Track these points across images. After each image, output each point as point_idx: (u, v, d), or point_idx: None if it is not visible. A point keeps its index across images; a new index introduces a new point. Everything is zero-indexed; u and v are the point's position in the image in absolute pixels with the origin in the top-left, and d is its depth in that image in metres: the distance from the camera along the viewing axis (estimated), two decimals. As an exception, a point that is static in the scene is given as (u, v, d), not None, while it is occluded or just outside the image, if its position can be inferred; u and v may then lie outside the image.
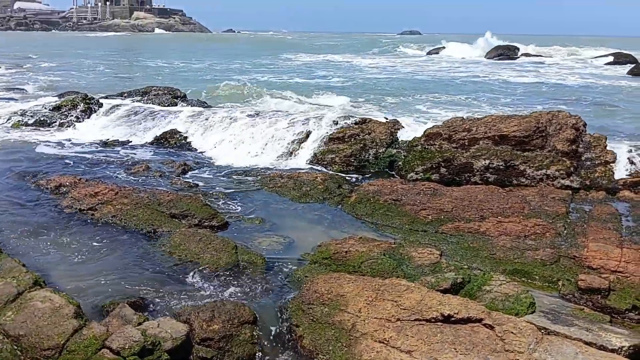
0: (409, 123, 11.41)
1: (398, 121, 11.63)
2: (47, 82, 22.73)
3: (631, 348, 4.04)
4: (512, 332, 3.83)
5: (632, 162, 8.76)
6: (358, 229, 7.14)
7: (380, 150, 10.17)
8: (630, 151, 9.15)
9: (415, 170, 9.35)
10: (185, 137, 11.68)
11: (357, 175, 9.64)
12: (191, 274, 5.69)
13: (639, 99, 21.60)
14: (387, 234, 6.92)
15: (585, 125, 9.26)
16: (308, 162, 10.11)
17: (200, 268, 5.77)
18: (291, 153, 10.42)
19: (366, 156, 10.15)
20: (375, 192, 7.94)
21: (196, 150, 11.19)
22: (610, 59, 42.92)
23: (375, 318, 4.25)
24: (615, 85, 26.50)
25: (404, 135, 10.41)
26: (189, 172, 9.46)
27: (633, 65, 34.36)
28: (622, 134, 13.49)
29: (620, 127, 14.90)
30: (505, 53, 48.00)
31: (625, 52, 45.52)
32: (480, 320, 4.00)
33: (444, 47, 57.57)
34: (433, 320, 4.08)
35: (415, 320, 4.11)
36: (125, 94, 15.90)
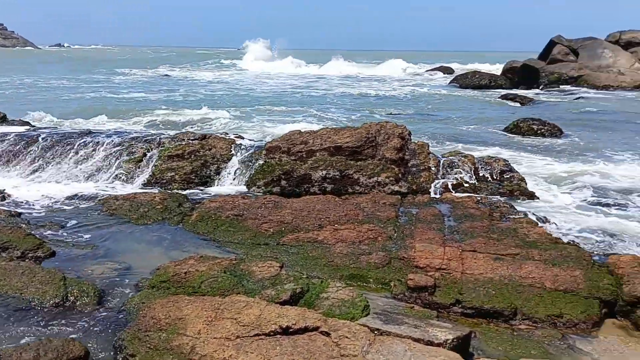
0: (250, 136, 11.50)
1: (241, 136, 11.67)
2: None
3: (455, 340, 4.37)
4: (346, 337, 3.99)
5: (452, 166, 9.61)
6: (199, 247, 7.00)
7: (222, 166, 10.10)
8: (451, 155, 10.05)
9: (257, 184, 9.43)
10: (7, 162, 10.62)
11: (199, 193, 9.47)
12: (13, 311, 5.17)
13: (455, 105, 24.23)
14: (229, 250, 6.86)
15: (410, 134, 10.00)
16: (146, 182, 9.71)
17: (24, 304, 5.27)
18: (127, 174, 9.93)
19: (208, 172, 10.01)
20: (217, 209, 7.85)
21: (19, 175, 10.21)
22: (439, 72, 49.33)
23: (214, 338, 4.17)
24: (437, 94, 29.33)
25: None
26: (9, 199, 8.62)
27: (452, 77, 38.05)
28: (442, 139, 14.80)
29: (437, 131, 16.34)
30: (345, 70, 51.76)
31: (446, 65, 51.96)
32: (317, 329, 4.11)
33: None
34: (272, 333, 4.11)
35: (255, 335, 4.11)
36: None
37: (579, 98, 27.39)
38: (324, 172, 9.13)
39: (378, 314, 4.83)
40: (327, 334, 4.06)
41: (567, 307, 5.34)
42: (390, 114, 20.85)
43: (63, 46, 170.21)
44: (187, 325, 4.42)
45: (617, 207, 8.77)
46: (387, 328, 4.44)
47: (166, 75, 42.94)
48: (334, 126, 12.49)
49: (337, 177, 9.08)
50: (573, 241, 6.89)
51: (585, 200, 9.13)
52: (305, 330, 4.11)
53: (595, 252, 6.61)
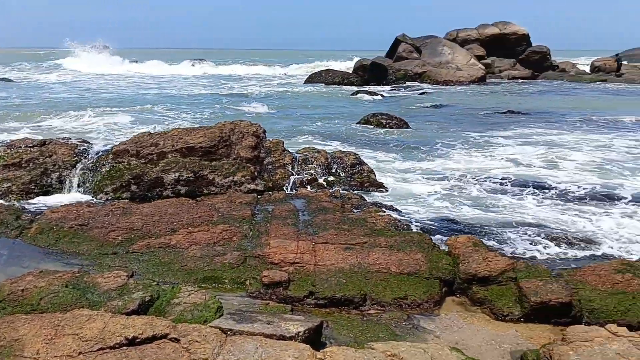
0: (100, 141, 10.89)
1: (86, 141, 11.00)
2: None
3: (306, 332, 4.45)
4: (197, 341, 3.92)
5: (306, 162, 9.82)
6: (41, 261, 6.49)
7: (65, 173, 9.44)
8: (305, 152, 10.27)
9: (105, 190, 8.95)
10: None
11: (40, 203, 8.78)
12: None
13: (309, 102, 25.02)
14: (74, 263, 6.43)
15: (264, 131, 10.06)
16: (-24, 195, 8.81)
17: None
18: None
19: (49, 181, 9.31)
20: (59, 219, 7.34)
21: None
22: (296, 72, 50.72)
23: (54, 357, 3.90)
24: (292, 92, 30.05)
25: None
26: None
27: (307, 75, 39.12)
28: (296, 135, 15.10)
29: (292, 128, 16.67)
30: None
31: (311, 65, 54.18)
32: (166, 336, 4.00)
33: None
34: (118, 345, 3.93)
35: (99, 350, 3.90)
36: None
37: (423, 93, 29.33)
38: (177, 174, 8.90)
39: (232, 314, 4.80)
40: (177, 340, 3.96)
41: (411, 289, 5.69)
42: (245, 112, 20.86)
43: None
44: (25, 346, 4.09)
45: (454, 194, 9.51)
46: (240, 327, 4.43)
47: (5, 78, 38.91)
48: (188, 126, 12.22)
49: (191, 178, 8.89)
50: (415, 226, 7.37)
51: (428, 189, 9.78)
52: (153, 338, 3.98)
53: (435, 236, 7.11)
